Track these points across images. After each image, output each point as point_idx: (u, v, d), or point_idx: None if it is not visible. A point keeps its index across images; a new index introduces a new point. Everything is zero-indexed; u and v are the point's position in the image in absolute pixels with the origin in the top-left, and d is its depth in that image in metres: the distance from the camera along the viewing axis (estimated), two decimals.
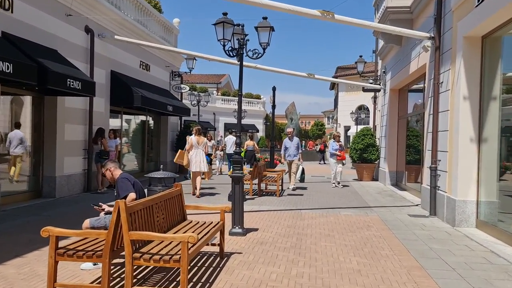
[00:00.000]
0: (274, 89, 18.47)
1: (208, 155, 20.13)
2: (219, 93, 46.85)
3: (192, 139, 11.09)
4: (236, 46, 10.66)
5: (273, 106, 18.58)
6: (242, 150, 14.63)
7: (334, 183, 13.97)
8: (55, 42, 9.84)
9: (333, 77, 51.19)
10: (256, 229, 7.21)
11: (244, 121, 44.58)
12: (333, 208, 9.54)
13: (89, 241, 4.23)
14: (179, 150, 13.38)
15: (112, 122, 13.93)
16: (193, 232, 4.88)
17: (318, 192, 12.53)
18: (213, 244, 5.49)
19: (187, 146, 11.13)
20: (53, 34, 9.84)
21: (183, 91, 17.67)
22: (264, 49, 10.73)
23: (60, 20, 10.05)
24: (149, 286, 4.32)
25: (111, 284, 4.17)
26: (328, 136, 41.47)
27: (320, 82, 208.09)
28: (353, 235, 6.88)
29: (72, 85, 8.94)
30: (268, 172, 13.09)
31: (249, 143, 17.64)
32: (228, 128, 45.59)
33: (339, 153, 14.06)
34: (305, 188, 13.22)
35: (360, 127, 37.46)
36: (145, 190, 5.80)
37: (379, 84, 15.97)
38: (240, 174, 6.75)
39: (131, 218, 3.89)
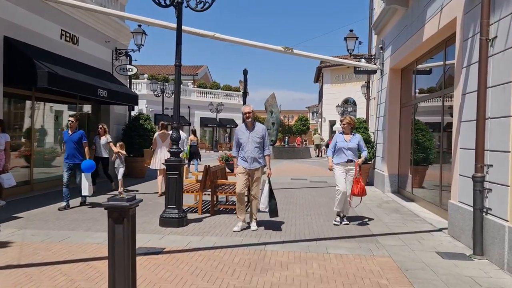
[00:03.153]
0: (245, 72, 15.02)
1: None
2: (195, 85, 43.12)
3: (155, 135, 10.38)
4: None
5: (244, 93, 15.13)
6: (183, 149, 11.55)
7: (337, 217, 7.38)
8: None
9: (317, 68, 48.03)
10: None
11: (221, 115, 41.02)
12: (318, 240, 6.13)
13: None
14: (144, 150, 11.68)
15: (18, 110, 10.31)
16: None
17: (296, 204, 9.14)
18: None
19: (152, 146, 10.55)
20: None
21: (129, 73, 14.03)
22: None
23: None
24: None
25: None
26: (313, 132, 38.07)
27: (305, 76, 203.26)
28: None
29: None
30: (227, 178, 9.62)
31: (192, 138, 15.79)
32: (206, 123, 42.01)
33: (347, 156, 7.21)
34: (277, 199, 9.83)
35: None
36: None
37: (375, 64, 12.65)
38: (122, 203, 3.23)
39: None
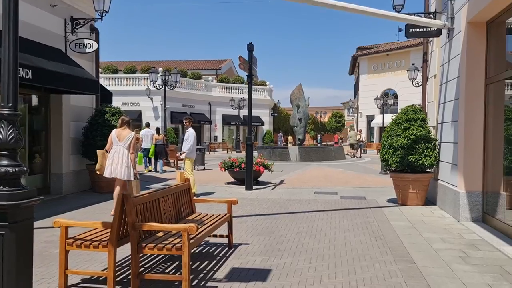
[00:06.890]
0: (250, 48, 11.00)
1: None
2: (217, 80, 39.41)
3: (112, 133, 7.85)
4: None
5: (250, 76, 11.10)
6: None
7: None
8: None
9: (352, 57, 43.33)
10: None
11: (245, 112, 36.96)
12: None
13: None
14: (98, 152, 7.91)
15: None
16: None
17: (313, 253, 4.99)
18: None
19: (107, 146, 7.91)
20: None
21: (88, 50, 10.24)
22: None
23: None
24: None
25: None
26: (349, 129, 33.13)
27: (339, 71, 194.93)
28: None
29: None
30: (194, 209, 5.56)
31: (157, 137, 15.67)
32: (228, 121, 38.15)
33: None
34: (285, 237, 5.73)
35: (388, 116, 29.61)
36: None
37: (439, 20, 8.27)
38: None
39: None
